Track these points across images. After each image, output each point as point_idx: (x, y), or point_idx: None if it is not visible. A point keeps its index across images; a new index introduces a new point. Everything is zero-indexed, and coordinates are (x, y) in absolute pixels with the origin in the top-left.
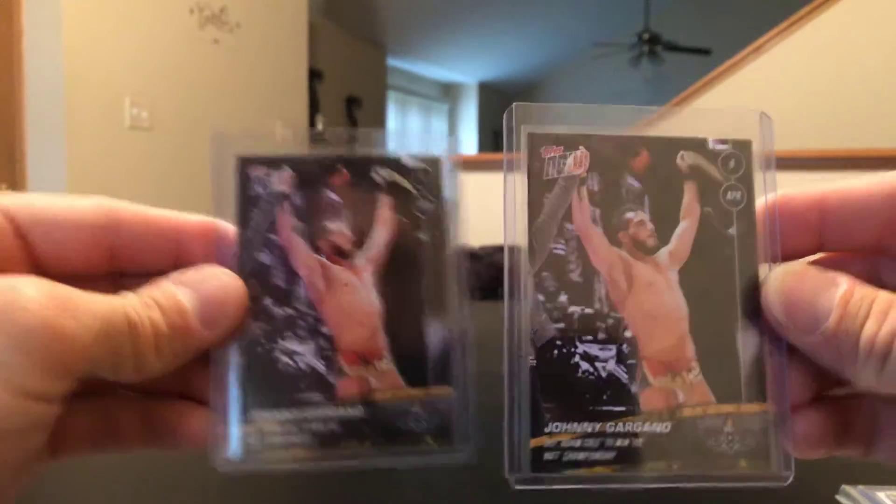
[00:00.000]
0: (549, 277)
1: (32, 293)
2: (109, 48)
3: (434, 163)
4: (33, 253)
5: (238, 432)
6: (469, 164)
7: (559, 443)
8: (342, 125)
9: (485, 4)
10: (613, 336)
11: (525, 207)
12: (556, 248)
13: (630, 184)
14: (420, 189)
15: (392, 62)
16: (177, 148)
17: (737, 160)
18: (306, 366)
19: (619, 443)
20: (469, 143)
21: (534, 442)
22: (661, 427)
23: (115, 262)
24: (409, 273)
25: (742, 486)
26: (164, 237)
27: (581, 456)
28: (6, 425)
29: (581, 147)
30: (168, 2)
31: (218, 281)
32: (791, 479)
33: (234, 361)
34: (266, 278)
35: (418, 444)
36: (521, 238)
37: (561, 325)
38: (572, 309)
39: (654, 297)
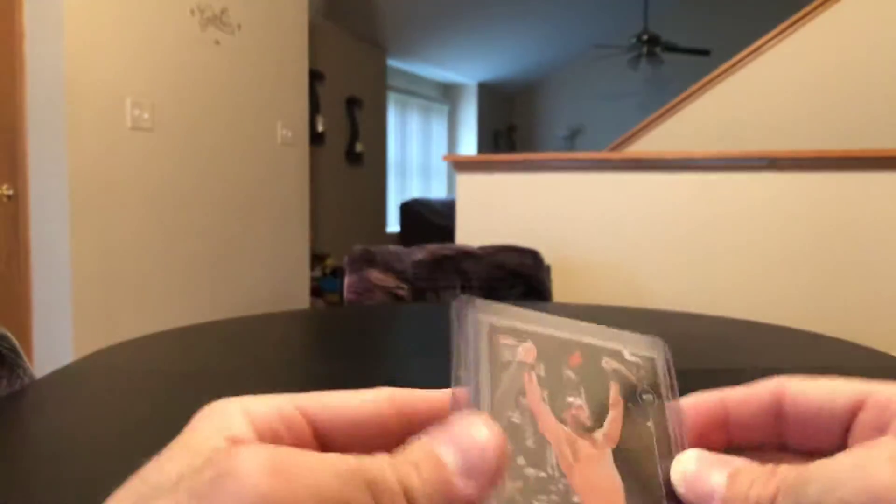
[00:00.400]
0: (508, 442)
1: (251, 463)
2: (111, 49)
3: (650, 361)
4: (326, 446)
5: None
6: (469, 165)
7: None
8: (343, 126)
9: (484, 6)
10: (565, 500)
11: (487, 382)
12: (512, 418)
13: (568, 375)
14: (641, 381)
15: (392, 63)
16: (178, 149)
17: (646, 369)
18: None
19: None
20: (469, 143)
21: None
22: None
23: (402, 440)
24: (636, 456)
25: None
26: (433, 411)
27: None
28: None
29: (529, 341)
30: (169, 3)
31: (478, 430)
32: None
33: None
34: (518, 438)
35: None
36: (484, 405)
37: (519, 484)
38: (528, 471)
39: (596, 470)
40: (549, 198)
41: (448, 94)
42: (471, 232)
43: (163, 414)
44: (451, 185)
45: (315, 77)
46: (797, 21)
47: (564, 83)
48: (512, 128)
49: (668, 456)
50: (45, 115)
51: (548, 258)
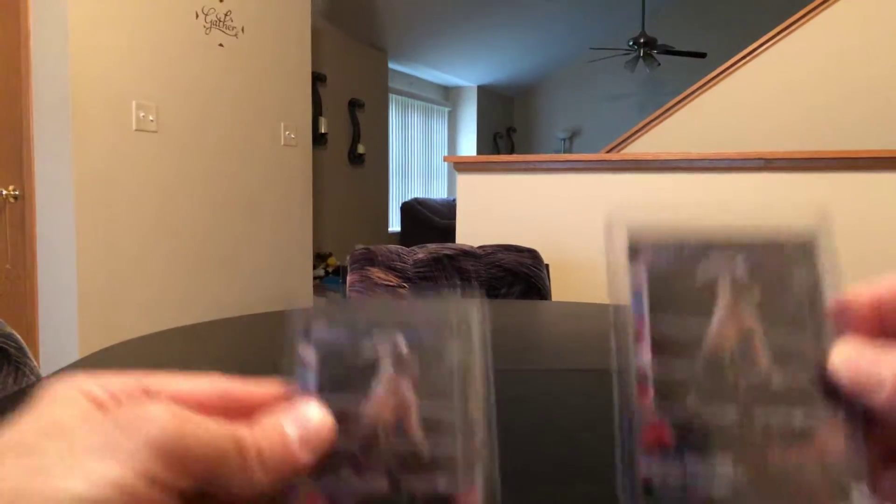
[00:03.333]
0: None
1: (160, 410)
2: (116, 52)
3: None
4: None
5: None
6: (469, 166)
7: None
8: (345, 127)
9: (484, 10)
10: None
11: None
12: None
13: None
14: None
15: (393, 66)
16: (183, 150)
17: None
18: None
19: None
20: (469, 144)
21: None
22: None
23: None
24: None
25: None
26: (266, 404)
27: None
28: (129, 499)
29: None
30: (174, 6)
31: (314, 412)
32: None
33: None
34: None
35: None
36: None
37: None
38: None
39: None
40: (548, 198)
41: (448, 96)
42: (471, 232)
43: None
44: (451, 186)
45: (318, 79)
46: (792, 24)
47: (563, 85)
48: (511, 129)
49: (819, 339)
50: (51, 116)
51: (547, 258)
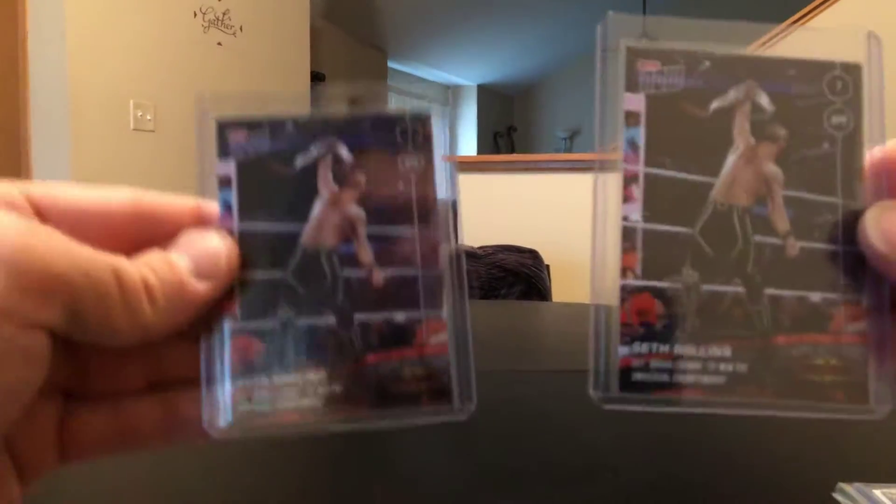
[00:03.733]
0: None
1: (6, 219)
2: (114, 51)
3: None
4: None
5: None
6: (469, 166)
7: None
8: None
9: (484, 8)
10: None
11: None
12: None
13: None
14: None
15: (393, 65)
16: (181, 150)
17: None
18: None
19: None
20: (469, 144)
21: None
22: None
23: (138, 249)
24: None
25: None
26: (180, 223)
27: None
28: None
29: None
30: (172, 4)
31: (206, 239)
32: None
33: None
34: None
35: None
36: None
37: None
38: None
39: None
40: (548, 198)
41: (448, 95)
42: (470, 232)
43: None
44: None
45: (316, 78)
46: (794, 23)
47: (563, 84)
48: (511, 129)
49: (852, 199)
50: (49, 116)
51: (547, 258)
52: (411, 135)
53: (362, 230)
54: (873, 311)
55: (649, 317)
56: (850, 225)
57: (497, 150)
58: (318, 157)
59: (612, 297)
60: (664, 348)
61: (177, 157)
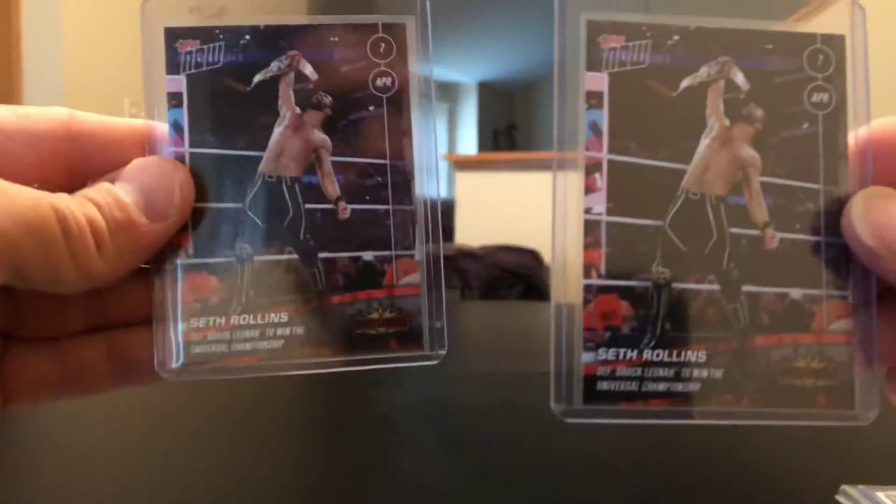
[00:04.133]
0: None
1: None
2: (109, 49)
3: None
4: None
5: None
6: (469, 164)
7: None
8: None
9: (484, 4)
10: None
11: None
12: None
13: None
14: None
15: None
16: None
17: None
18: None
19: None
20: (469, 142)
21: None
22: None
23: (75, 178)
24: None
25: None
26: (122, 146)
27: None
28: None
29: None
30: (168, 1)
31: (158, 169)
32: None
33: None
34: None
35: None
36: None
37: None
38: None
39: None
40: (549, 197)
41: (448, 92)
42: (471, 231)
43: (170, 409)
44: (450, 185)
45: None
46: (799, 19)
47: None
48: (512, 126)
49: (835, 184)
50: None
51: (548, 258)
52: (384, 48)
53: (327, 159)
54: (859, 307)
55: (615, 319)
56: (834, 214)
57: (497, 148)
58: (278, 74)
59: (574, 297)
60: (632, 354)
61: None
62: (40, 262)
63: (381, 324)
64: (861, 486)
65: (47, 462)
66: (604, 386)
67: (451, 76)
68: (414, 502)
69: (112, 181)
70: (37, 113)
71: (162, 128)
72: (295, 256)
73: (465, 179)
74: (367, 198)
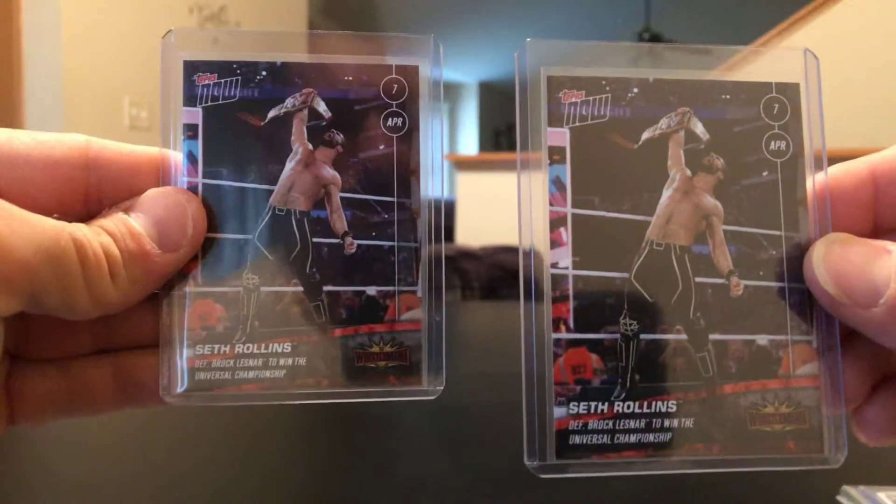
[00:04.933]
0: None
1: None
2: (108, 47)
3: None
4: (1, 194)
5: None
6: (469, 164)
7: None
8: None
9: (485, 4)
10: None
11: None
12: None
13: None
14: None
15: None
16: None
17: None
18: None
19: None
20: (469, 142)
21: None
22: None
23: (90, 204)
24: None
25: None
26: (137, 174)
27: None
28: None
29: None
30: (168, 1)
31: (172, 200)
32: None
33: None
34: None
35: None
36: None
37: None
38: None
39: None
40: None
41: (448, 92)
42: (471, 232)
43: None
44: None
45: None
46: (798, 21)
47: None
48: (512, 126)
49: (795, 232)
50: (43, 113)
51: None
52: (397, 90)
53: (337, 194)
54: (824, 351)
55: (586, 373)
56: (796, 260)
57: (498, 149)
58: (292, 110)
59: (545, 351)
60: (603, 407)
61: None
62: (56, 290)
63: (381, 357)
64: (862, 487)
65: (49, 465)
66: (576, 440)
67: (451, 76)
68: (413, 502)
69: (126, 209)
70: (55, 139)
71: (177, 157)
72: (300, 288)
73: (465, 179)
74: (374, 234)
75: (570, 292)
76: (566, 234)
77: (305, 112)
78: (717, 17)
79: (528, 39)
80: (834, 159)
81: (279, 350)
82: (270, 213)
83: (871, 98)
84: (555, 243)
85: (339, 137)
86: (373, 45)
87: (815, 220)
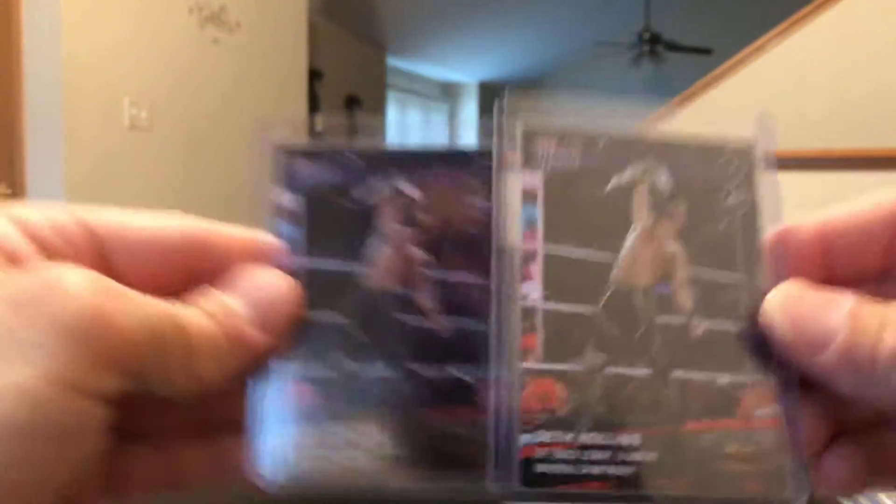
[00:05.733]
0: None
1: (78, 279)
2: (109, 48)
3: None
4: (111, 273)
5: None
6: None
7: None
8: (342, 124)
9: (485, 4)
10: None
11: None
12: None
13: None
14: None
15: (392, 62)
16: (176, 148)
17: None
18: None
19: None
20: (469, 142)
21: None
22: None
23: (188, 282)
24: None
25: None
26: (235, 256)
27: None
28: (48, 424)
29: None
30: (167, 1)
31: (270, 282)
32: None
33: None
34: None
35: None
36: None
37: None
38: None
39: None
40: None
41: (448, 92)
42: None
43: None
44: None
45: (314, 75)
46: (799, 20)
47: (565, 82)
48: None
49: (752, 278)
50: (43, 113)
51: None
52: (479, 170)
53: (427, 278)
54: (782, 392)
55: (552, 402)
56: (754, 303)
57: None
58: (382, 194)
59: (514, 378)
60: (569, 437)
61: (173, 155)
62: (158, 369)
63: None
64: None
65: None
66: (542, 468)
67: (452, 77)
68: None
69: (224, 290)
70: (156, 219)
71: (273, 240)
72: (396, 372)
73: None
74: (462, 313)
75: (539, 324)
76: (536, 270)
77: (394, 194)
78: (717, 18)
79: (507, 93)
80: (834, 159)
81: (369, 434)
82: (364, 295)
83: (871, 98)
84: (526, 277)
85: (428, 218)
86: (360, 7)
87: (771, 268)
